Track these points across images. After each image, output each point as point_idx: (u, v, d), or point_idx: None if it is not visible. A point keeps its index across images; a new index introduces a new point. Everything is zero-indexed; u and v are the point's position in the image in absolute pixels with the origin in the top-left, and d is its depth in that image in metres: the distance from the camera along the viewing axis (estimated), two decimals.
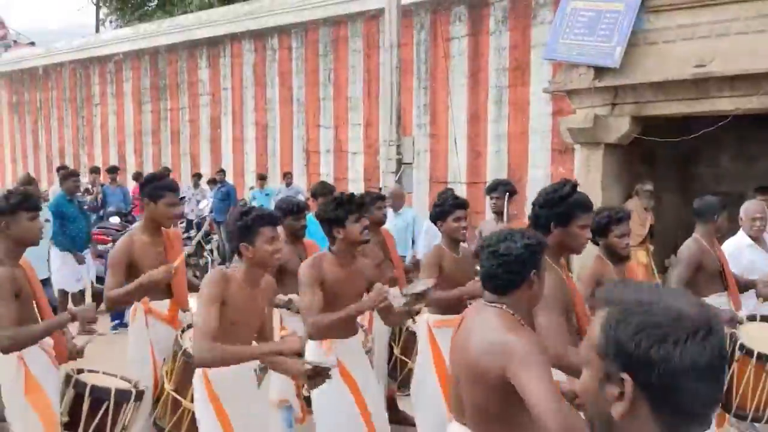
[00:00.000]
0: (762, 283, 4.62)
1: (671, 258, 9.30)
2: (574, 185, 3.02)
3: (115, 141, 18.61)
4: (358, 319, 4.79)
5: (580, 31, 7.49)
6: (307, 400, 4.18)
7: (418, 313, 3.86)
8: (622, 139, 7.64)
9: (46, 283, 6.75)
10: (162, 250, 4.07)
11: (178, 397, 3.68)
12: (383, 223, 5.49)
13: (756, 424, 4.90)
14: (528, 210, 7.84)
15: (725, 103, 6.80)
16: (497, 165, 10.92)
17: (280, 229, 4.80)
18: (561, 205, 2.95)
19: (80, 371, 3.23)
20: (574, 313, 3.07)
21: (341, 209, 3.59)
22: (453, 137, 10.93)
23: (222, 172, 12.93)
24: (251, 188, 13.70)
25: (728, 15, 6.67)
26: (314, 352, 3.66)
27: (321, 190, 6.09)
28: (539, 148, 10.47)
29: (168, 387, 3.77)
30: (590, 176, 7.94)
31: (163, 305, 4.02)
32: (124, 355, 4.10)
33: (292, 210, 4.60)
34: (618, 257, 3.77)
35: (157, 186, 4.01)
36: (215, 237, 11.83)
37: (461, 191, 9.78)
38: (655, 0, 7.15)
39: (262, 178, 13.06)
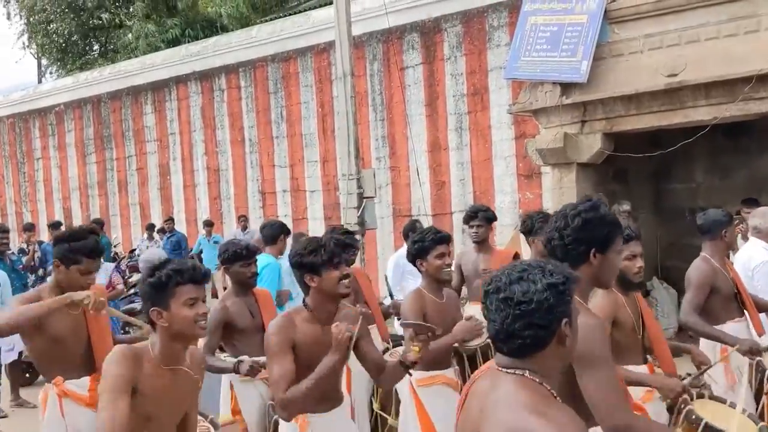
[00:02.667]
0: None
1: (652, 280, 8.92)
2: (605, 202, 2.46)
3: (60, 195, 17.68)
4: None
5: (543, 47, 7.10)
6: None
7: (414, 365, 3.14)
8: (594, 157, 7.23)
9: None
10: (80, 313, 3.38)
11: None
12: (352, 263, 4.87)
13: None
14: (500, 238, 7.21)
15: (701, 113, 6.44)
16: (462, 194, 10.47)
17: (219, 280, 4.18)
18: (604, 225, 2.35)
19: None
20: None
21: (316, 254, 2.91)
22: (414, 168, 10.44)
23: (171, 220, 12.17)
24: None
25: (697, 20, 6.35)
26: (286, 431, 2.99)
27: (271, 230, 5.45)
28: (504, 174, 10.05)
29: None
30: (563, 199, 7.48)
31: (81, 384, 3.31)
32: None
33: (240, 254, 3.92)
34: (629, 284, 3.24)
35: (73, 248, 3.31)
36: None
37: (426, 224, 9.26)
38: (618, 10, 6.81)
39: (208, 225, 12.26)
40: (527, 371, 1.65)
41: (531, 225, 4.71)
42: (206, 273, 2.49)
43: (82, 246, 3.33)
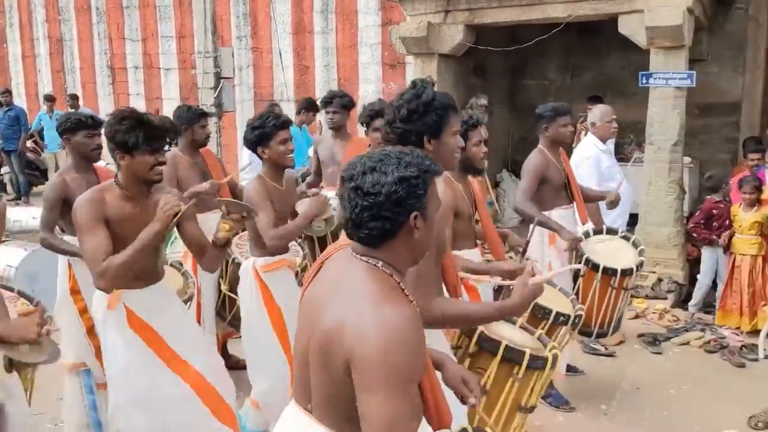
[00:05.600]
0: (610, 196, 4.47)
1: (502, 172, 9.35)
2: (434, 83, 2.41)
3: None
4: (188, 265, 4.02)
5: None
6: None
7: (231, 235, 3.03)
8: (455, 49, 7.27)
9: None
10: None
11: None
12: (205, 144, 4.68)
13: (600, 341, 4.89)
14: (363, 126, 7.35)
15: (558, 10, 6.59)
16: (326, 80, 10.27)
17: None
18: (431, 112, 2.31)
19: None
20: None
21: (130, 132, 2.71)
22: (278, 51, 10.07)
23: (8, 93, 11.03)
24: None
25: None
26: (99, 304, 2.87)
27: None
28: (370, 62, 9.94)
29: None
30: None
31: None
32: None
33: (84, 123, 3.59)
34: (474, 170, 3.33)
35: None
36: (5, 169, 10.19)
37: (289, 109, 9.06)
38: None
39: (49, 99, 11.21)
40: (380, 262, 1.64)
41: (368, 116, 4.69)
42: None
43: None
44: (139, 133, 2.72)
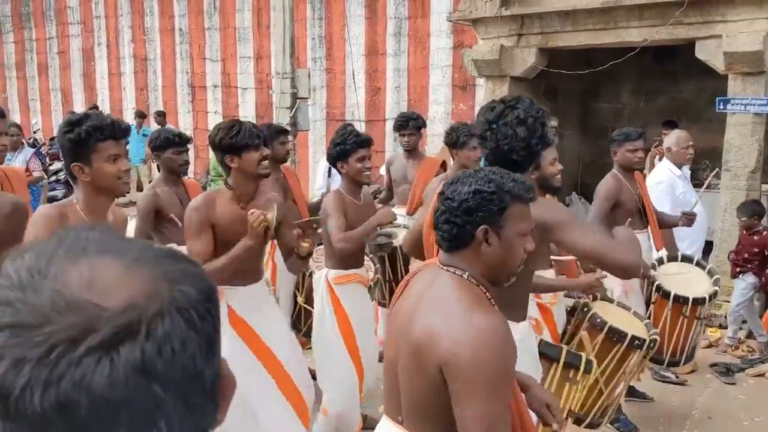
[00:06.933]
0: (684, 213, 4.44)
1: (572, 195, 9.29)
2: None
3: None
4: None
5: None
6: None
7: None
8: (527, 71, 7.33)
9: None
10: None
11: None
12: (285, 160, 4.92)
13: (671, 369, 4.82)
14: (431, 148, 7.56)
15: (633, 34, 6.58)
16: (397, 101, 10.45)
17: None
18: (542, 127, 2.47)
19: None
20: None
21: (238, 135, 2.94)
22: (351, 72, 10.32)
23: (95, 108, 11.68)
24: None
25: None
26: None
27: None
28: (440, 84, 10.06)
29: None
30: None
31: None
32: None
33: (173, 141, 3.88)
34: (549, 189, 3.39)
35: None
36: None
37: (360, 129, 9.26)
38: None
39: (141, 116, 11.90)
40: (465, 272, 1.72)
41: (456, 138, 4.73)
42: (126, 129, 2.49)
43: None
44: (241, 133, 2.93)
